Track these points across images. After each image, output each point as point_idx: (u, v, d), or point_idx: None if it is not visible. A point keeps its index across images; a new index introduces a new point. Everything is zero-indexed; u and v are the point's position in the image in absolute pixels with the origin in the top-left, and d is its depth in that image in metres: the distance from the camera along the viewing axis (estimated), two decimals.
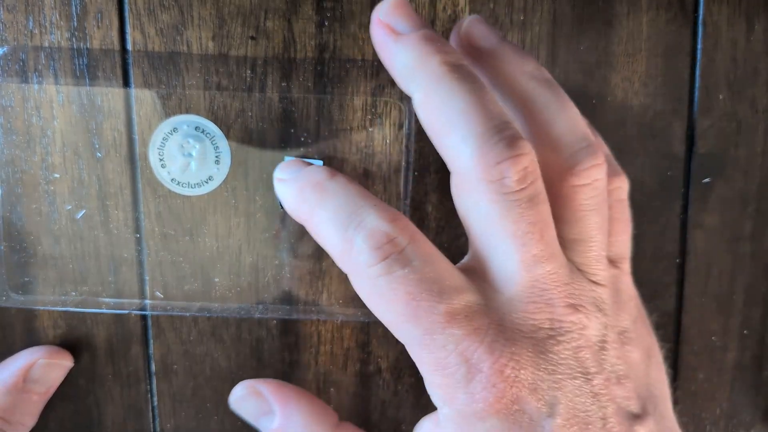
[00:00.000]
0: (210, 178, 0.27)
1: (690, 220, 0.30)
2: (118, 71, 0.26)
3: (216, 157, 0.27)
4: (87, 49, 0.26)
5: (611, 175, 0.24)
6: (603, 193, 0.23)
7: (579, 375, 0.21)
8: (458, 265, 0.23)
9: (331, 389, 0.30)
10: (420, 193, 0.28)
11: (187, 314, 0.29)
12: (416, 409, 0.30)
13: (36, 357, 0.28)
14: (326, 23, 0.27)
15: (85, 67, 0.26)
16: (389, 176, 0.28)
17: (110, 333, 0.29)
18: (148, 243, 0.28)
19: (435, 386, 0.22)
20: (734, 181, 0.30)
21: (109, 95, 0.26)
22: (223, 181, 0.27)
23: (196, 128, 0.26)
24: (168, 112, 0.27)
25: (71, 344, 0.29)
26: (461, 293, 0.21)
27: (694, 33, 0.28)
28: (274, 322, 0.29)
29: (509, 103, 0.23)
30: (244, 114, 0.27)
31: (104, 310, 0.28)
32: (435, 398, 0.22)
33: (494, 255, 0.22)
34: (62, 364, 0.28)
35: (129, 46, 0.26)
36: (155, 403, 0.30)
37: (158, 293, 0.28)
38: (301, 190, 0.23)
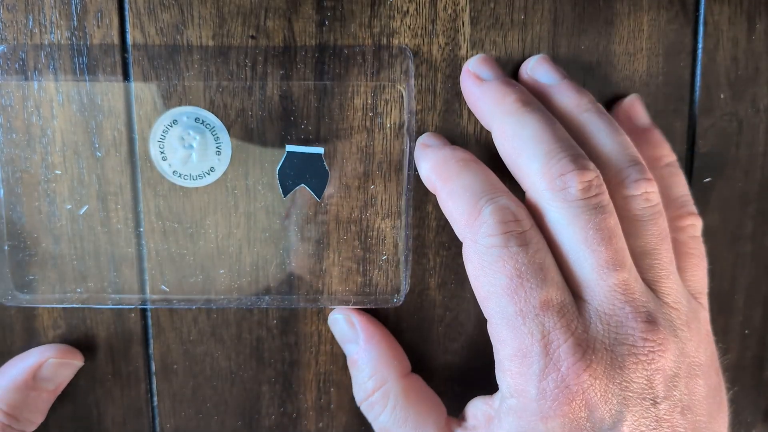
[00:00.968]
0: (211, 169, 0.27)
1: None
2: (118, 69, 0.26)
3: (217, 148, 0.27)
4: (87, 47, 0.26)
5: (686, 213, 0.27)
6: (658, 209, 0.24)
7: (648, 397, 0.22)
8: None
9: (332, 389, 0.30)
10: (420, 193, 0.28)
11: (193, 306, 0.29)
12: None
13: (47, 355, 0.28)
14: (327, 23, 0.27)
15: (85, 65, 0.26)
16: (389, 176, 0.28)
17: (110, 333, 0.29)
18: (150, 239, 0.28)
19: (508, 374, 0.23)
20: (735, 180, 0.30)
21: (109, 94, 0.26)
22: (225, 171, 0.27)
23: (196, 119, 0.26)
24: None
25: (71, 344, 0.29)
26: (560, 290, 0.23)
27: (695, 32, 0.28)
28: (275, 321, 0.29)
29: (568, 132, 0.25)
30: (244, 114, 0.27)
31: (110, 306, 0.28)
32: (503, 386, 0.23)
33: (570, 262, 0.23)
34: (73, 363, 0.28)
35: (129, 45, 0.26)
36: (155, 403, 0.30)
37: (164, 287, 0.28)
38: (446, 159, 0.25)
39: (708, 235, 0.27)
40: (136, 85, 0.26)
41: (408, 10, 0.27)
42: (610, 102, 0.29)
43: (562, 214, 0.23)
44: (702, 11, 0.28)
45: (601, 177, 0.23)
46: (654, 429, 0.22)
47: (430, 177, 0.26)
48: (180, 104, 0.26)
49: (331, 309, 0.29)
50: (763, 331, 0.32)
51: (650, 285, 0.24)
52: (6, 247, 0.27)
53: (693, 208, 0.27)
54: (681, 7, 0.28)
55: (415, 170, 0.28)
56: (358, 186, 0.28)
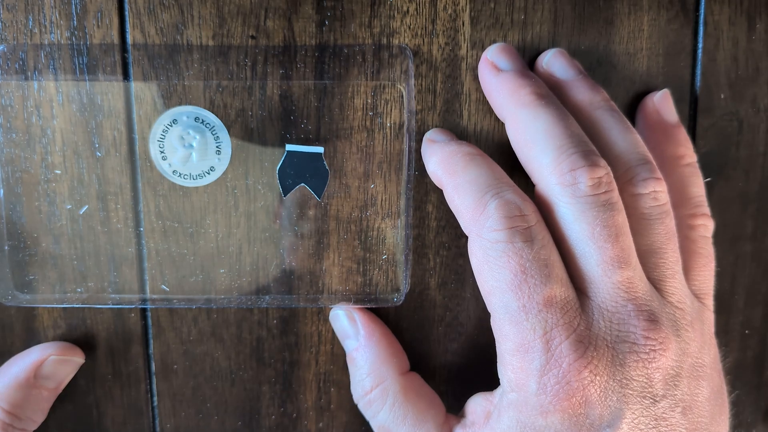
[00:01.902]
0: (211, 168, 0.27)
1: None
2: (118, 69, 0.26)
3: (217, 147, 0.27)
4: (87, 47, 0.26)
5: (700, 213, 0.27)
6: (665, 208, 0.24)
7: (648, 395, 0.22)
8: None
9: (332, 389, 0.30)
10: (420, 193, 0.28)
11: (193, 306, 0.29)
12: None
13: (48, 353, 0.28)
14: (327, 22, 0.27)
15: (84, 65, 0.26)
16: (389, 176, 0.28)
17: (110, 333, 0.29)
18: (150, 239, 0.28)
19: (509, 368, 0.23)
20: (735, 180, 0.30)
21: (109, 94, 0.26)
22: (225, 171, 0.27)
23: (196, 119, 0.26)
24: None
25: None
26: (564, 286, 0.23)
27: (695, 32, 0.28)
28: (275, 321, 0.29)
29: (581, 128, 0.25)
30: (244, 113, 0.27)
31: (110, 306, 0.28)
32: (504, 380, 0.24)
33: (576, 257, 0.23)
34: (74, 360, 0.28)
35: (129, 45, 0.26)
36: (155, 403, 0.30)
37: (164, 287, 0.28)
38: (452, 153, 0.25)
39: None
40: (136, 85, 0.26)
41: (408, 10, 0.27)
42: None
43: (570, 209, 0.23)
44: (702, 11, 0.28)
45: (611, 174, 0.23)
46: (653, 427, 0.22)
47: (437, 172, 0.26)
48: (180, 104, 0.26)
49: (331, 309, 0.29)
50: (763, 331, 0.32)
51: (655, 284, 0.24)
52: (6, 247, 0.27)
53: (707, 210, 0.27)
54: (681, 7, 0.28)
55: (416, 170, 0.28)
56: (358, 186, 0.28)
